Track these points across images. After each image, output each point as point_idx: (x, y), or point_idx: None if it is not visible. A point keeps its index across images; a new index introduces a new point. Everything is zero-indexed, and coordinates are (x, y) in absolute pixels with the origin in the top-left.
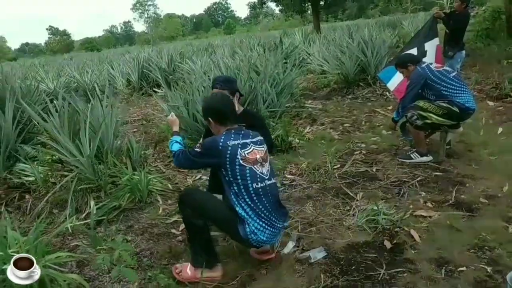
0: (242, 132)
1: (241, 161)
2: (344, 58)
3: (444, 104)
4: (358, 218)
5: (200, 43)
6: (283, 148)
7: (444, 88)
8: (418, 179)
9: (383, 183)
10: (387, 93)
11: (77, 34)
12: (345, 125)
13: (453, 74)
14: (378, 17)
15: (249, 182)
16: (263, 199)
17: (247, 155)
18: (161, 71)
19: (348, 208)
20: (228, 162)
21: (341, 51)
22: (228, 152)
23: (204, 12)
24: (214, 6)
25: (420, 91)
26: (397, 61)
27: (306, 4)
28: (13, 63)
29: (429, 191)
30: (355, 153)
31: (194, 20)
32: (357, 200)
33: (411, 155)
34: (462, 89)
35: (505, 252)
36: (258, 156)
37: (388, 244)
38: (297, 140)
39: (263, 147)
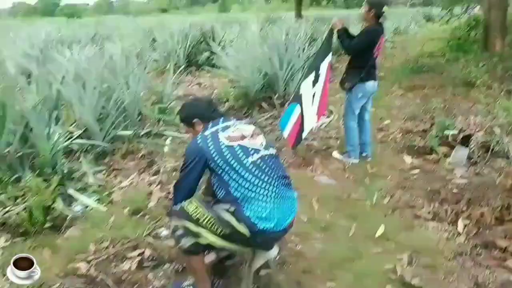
0: None
1: None
2: (245, 68)
3: (226, 216)
4: None
5: (167, 19)
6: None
7: (233, 182)
8: None
9: None
10: None
11: None
12: None
13: (257, 156)
14: None
15: None
16: None
17: None
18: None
19: None
20: None
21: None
22: None
23: None
24: None
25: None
26: (179, 112)
27: None
28: None
29: None
30: (130, 255)
31: None
32: None
33: None
34: (263, 189)
35: None
36: None
37: None
38: (80, 207)
39: None
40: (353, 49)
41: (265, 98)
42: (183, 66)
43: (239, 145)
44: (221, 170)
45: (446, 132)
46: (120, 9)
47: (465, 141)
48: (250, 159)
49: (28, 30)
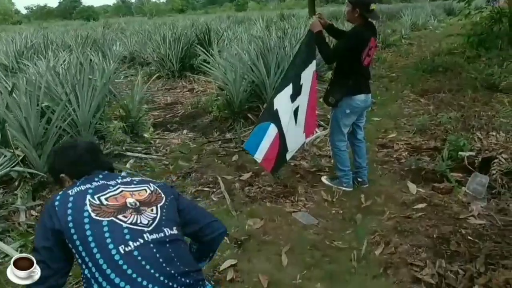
0: None
1: None
2: (229, 75)
3: None
4: None
5: (179, 20)
6: None
7: (94, 283)
8: None
9: None
10: None
11: (91, 1)
12: None
13: (135, 244)
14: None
15: None
16: None
17: None
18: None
19: None
20: None
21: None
22: None
23: None
24: None
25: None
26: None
27: None
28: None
29: None
30: None
31: None
32: None
33: None
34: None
35: None
36: None
37: None
38: None
39: None
40: (332, 57)
41: (251, 108)
42: (176, 71)
43: (111, 221)
44: (79, 258)
45: (461, 153)
46: (137, 10)
47: (485, 165)
48: (122, 249)
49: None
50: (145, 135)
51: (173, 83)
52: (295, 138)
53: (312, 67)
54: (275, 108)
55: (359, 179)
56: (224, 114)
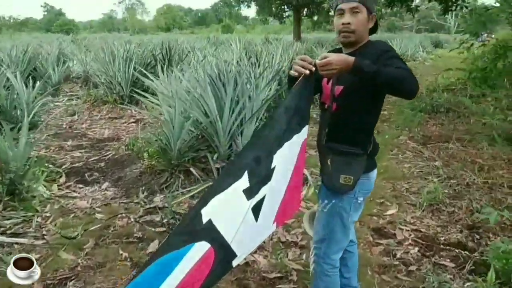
0: None
1: None
2: (168, 114)
3: None
4: None
5: (154, 39)
6: None
7: None
8: None
9: None
10: None
11: (77, 16)
12: None
13: None
14: (386, 32)
15: None
16: None
17: None
18: None
19: None
20: None
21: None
22: None
23: (210, 7)
24: (220, 2)
25: None
26: None
27: (285, 9)
28: None
29: None
30: None
31: (199, 14)
32: None
33: None
34: None
35: None
36: None
37: None
38: None
39: None
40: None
41: (196, 159)
42: (126, 96)
43: None
44: None
45: None
46: (121, 27)
47: None
48: None
49: None
50: (40, 189)
51: (120, 111)
52: (254, 237)
53: (299, 138)
54: (205, 221)
55: None
56: (158, 164)
